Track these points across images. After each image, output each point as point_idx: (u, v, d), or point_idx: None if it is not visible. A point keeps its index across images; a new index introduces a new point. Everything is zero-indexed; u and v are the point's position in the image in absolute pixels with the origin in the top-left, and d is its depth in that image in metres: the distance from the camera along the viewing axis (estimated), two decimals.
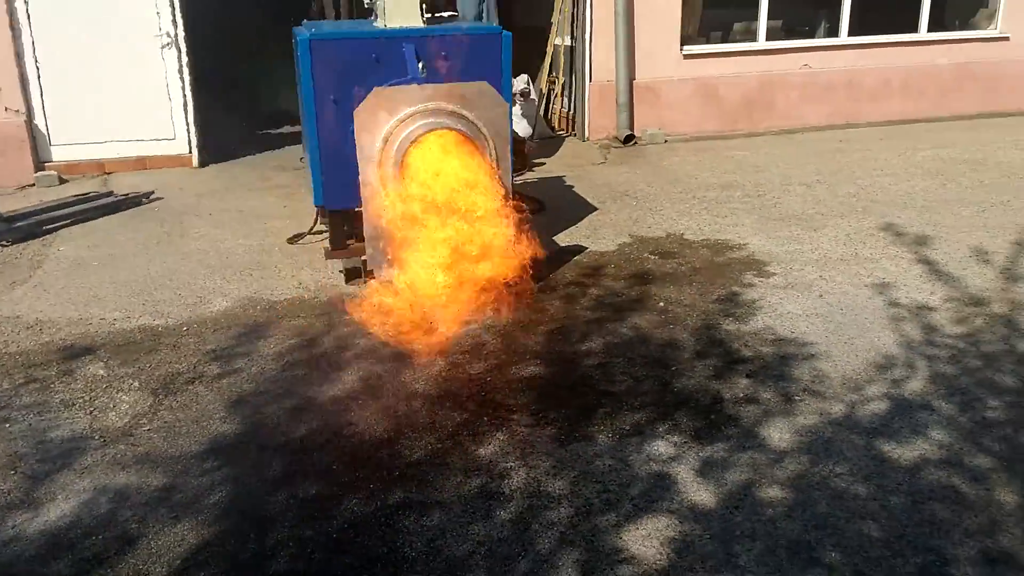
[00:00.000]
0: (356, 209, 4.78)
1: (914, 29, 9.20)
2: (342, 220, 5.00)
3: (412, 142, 4.11)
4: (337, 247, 5.00)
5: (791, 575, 2.43)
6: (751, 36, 8.88)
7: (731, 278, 4.81)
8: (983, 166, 7.20)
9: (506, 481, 2.93)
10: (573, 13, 8.37)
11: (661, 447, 3.10)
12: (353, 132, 4.43)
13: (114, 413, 3.48)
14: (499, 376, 3.69)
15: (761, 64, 8.75)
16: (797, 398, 3.42)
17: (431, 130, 4.11)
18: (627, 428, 3.24)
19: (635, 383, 3.59)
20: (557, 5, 8.45)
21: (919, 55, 9.13)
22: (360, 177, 4.22)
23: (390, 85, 4.46)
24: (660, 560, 2.50)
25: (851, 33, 9.03)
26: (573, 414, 3.35)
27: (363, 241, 4.70)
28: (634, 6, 8.16)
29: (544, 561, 2.51)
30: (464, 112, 4.25)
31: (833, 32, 9.06)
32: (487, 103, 4.28)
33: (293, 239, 5.64)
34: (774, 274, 4.85)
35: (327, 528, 2.70)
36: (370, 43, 4.67)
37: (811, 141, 8.38)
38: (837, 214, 5.97)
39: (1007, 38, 9.28)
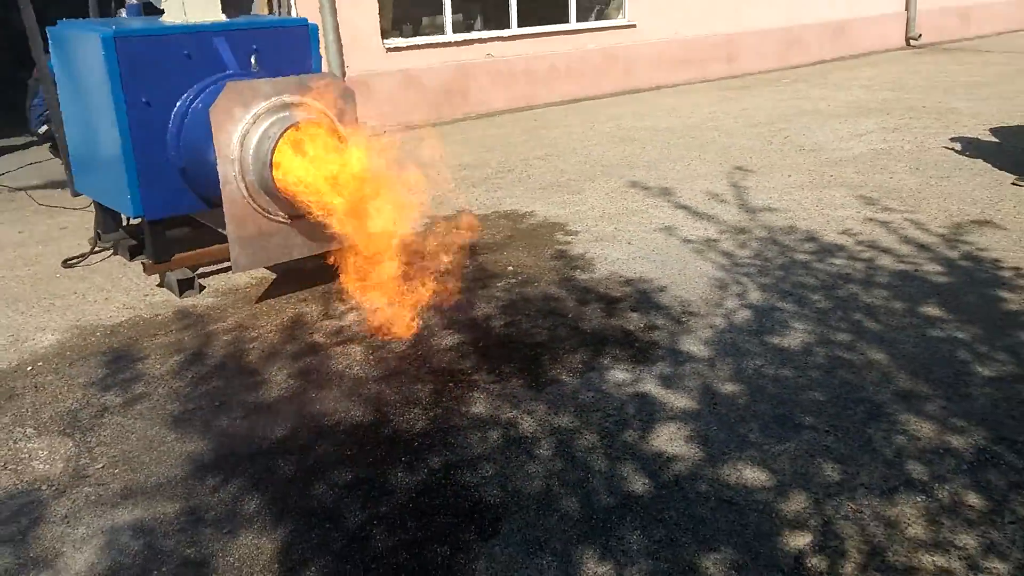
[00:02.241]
0: (178, 216, 4.59)
1: (566, 20, 10.50)
2: (163, 229, 4.67)
3: (279, 137, 4.03)
4: (160, 260, 4.67)
5: (792, 438, 3.06)
6: (439, 30, 9.49)
7: (547, 240, 5.39)
8: (659, 131, 8.63)
9: (521, 427, 3.20)
10: (277, 10, 8.29)
11: (619, 375, 3.58)
12: (174, 133, 4.26)
13: (39, 462, 3.08)
14: (428, 349, 3.87)
15: (453, 55, 9.43)
16: (683, 320, 4.11)
17: (293, 125, 4.07)
18: (579, 367, 3.67)
19: (551, 332, 4.01)
20: (259, 3, 8.30)
21: (574, 42, 10.49)
22: (220, 177, 4.04)
23: (239, 79, 4.31)
24: (697, 452, 3.00)
25: (520, 24, 10.05)
26: (523, 366, 3.68)
27: (187, 252, 4.60)
28: (335, 5, 8.31)
29: (611, 476, 2.87)
30: (316, 104, 4.26)
31: (506, 24, 10.01)
32: (335, 94, 4.34)
33: (71, 262, 5.09)
34: (578, 231, 5.54)
35: (397, 501, 2.77)
36: (181, 39, 4.45)
37: (511, 122, 9.27)
38: (586, 178, 6.85)
39: (634, 26, 11.00)
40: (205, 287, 4.76)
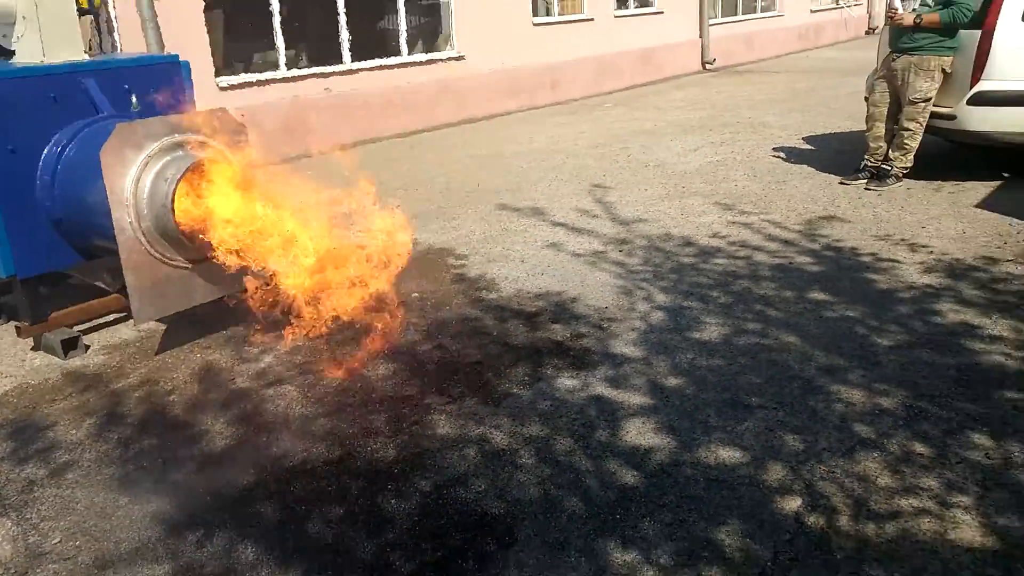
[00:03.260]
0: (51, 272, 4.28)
1: (399, 53, 10.62)
2: (37, 287, 4.32)
3: (180, 178, 3.85)
4: (37, 321, 4.30)
5: (748, 417, 3.29)
6: (272, 66, 9.32)
7: (440, 264, 5.45)
8: (509, 157, 8.88)
9: (494, 441, 3.24)
10: (100, 46, 7.82)
11: (567, 382, 3.70)
12: (47, 182, 4.01)
13: None
14: (365, 379, 3.80)
15: (289, 90, 9.27)
16: (604, 326, 4.29)
17: (193, 164, 3.91)
18: (525, 379, 3.75)
19: (483, 350, 4.07)
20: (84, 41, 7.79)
21: (407, 75, 10.61)
22: (115, 225, 3.80)
23: (116, 120, 4.08)
24: (669, 441, 3.17)
25: (353, 59, 10.05)
26: (470, 385, 3.70)
27: (64, 310, 4.32)
28: (163, 41, 7.99)
29: (600, 473, 2.97)
30: (208, 140, 4.12)
31: (339, 59, 9.98)
32: (227, 129, 4.21)
33: None
34: (467, 255, 5.63)
35: (402, 526, 2.74)
36: (47, 81, 4.14)
37: (357, 156, 9.22)
38: (455, 205, 6.96)
39: (463, 57, 11.29)
40: (89, 345, 4.40)
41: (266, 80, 9.04)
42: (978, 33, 6.28)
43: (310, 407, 3.59)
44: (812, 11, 20.99)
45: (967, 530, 2.55)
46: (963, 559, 2.43)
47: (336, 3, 9.80)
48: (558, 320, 4.36)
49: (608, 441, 3.18)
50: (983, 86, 6.29)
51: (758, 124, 10.13)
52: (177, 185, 3.78)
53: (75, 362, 4.20)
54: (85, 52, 4.38)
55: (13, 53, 4.34)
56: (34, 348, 4.32)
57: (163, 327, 4.55)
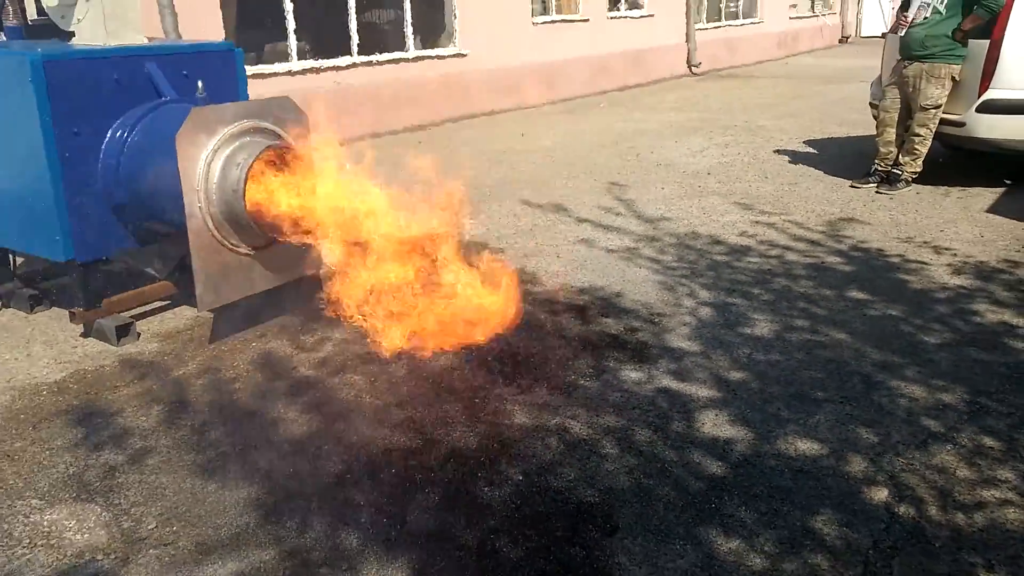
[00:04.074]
0: (108, 258, 4.28)
1: (405, 48, 10.62)
2: (93, 274, 4.30)
3: (251, 164, 3.87)
4: (92, 306, 4.29)
5: (817, 411, 3.39)
6: (282, 57, 9.28)
7: (478, 258, 5.48)
8: (520, 153, 8.93)
9: (574, 431, 3.30)
10: None
11: (631, 374, 3.78)
12: (111, 166, 4.02)
13: (73, 533, 2.78)
14: (428, 370, 3.83)
15: (299, 83, 9.24)
16: (656, 320, 4.38)
17: (265, 150, 3.92)
18: (589, 371, 3.83)
19: (541, 342, 4.12)
20: None
21: (413, 70, 10.62)
22: (186, 209, 3.81)
23: (180, 105, 4.08)
24: (746, 433, 3.26)
25: (360, 53, 10.04)
26: (537, 376, 3.75)
27: (114, 296, 4.33)
28: (179, 29, 7.93)
29: (685, 463, 3.04)
30: (275, 127, 4.14)
31: (348, 52, 9.96)
32: (292, 117, 4.23)
33: None
34: (503, 248, 5.69)
35: (502, 513, 2.79)
36: (112, 63, 4.13)
37: (369, 150, 9.18)
38: (478, 200, 7.00)
39: (466, 54, 11.33)
40: (140, 333, 4.39)
41: (278, 72, 8.99)
42: (987, 42, 6.47)
43: (380, 396, 3.62)
44: (791, 19, 21.32)
45: None
46: None
47: None
48: (608, 314, 4.44)
49: (686, 432, 3.26)
50: (991, 94, 6.49)
51: (755, 127, 10.30)
52: (249, 170, 3.78)
53: (129, 349, 4.19)
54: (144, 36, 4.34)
55: (72, 35, 4.31)
56: (84, 334, 4.29)
57: (210, 316, 4.53)
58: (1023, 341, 3.96)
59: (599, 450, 3.15)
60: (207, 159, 3.83)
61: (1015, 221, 5.88)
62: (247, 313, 4.27)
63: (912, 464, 2.99)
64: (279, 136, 4.10)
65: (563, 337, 4.16)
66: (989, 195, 6.65)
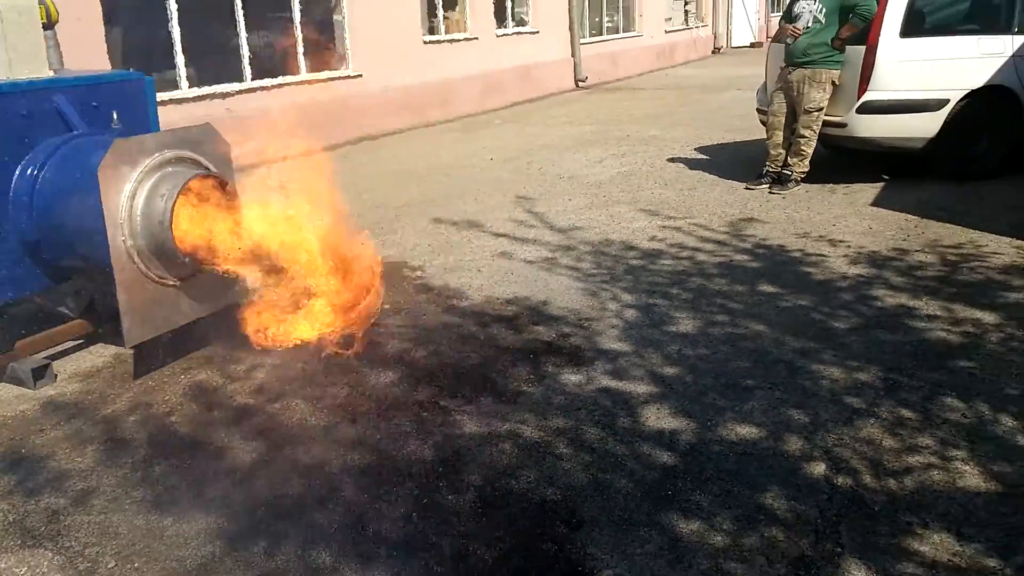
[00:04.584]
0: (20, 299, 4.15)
1: (297, 71, 10.54)
2: (3, 316, 4.14)
3: (178, 194, 3.82)
4: (4, 350, 4.13)
5: (750, 398, 3.58)
6: (171, 85, 9.07)
7: (399, 276, 5.54)
8: (422, 172, 8.99)
9: (525, 435, 3.39)
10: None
11: (571, 377, 3.91)
12: (24, 203, 3.92)
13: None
14: (371, 388, 3.87)
15: (190, 111, 9.04)
16: (585, 325, 4.53)
17: (191, 179, 3.88)
18: (530, 377, 3.93)
19: (479, 353, 4.20)
20: None
21: (307, 93, 10.54)
22: (111, 244, 3.73)
23: (92, 138, 3.99)
24: (689, 423, 3.42)
25: (254, 77, 9.91)
26: (479, 386, 3.82)
27: (27, 337, 4.17)
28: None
29: (637, 456, 3.17)
30: (196, 156, 4.09)
31: (240, 77, 9.81)
32: (213, 144, 4.19)
33: None
34: (422, 266, 5.75)
35: (469, 518, 2.85)
36: (21, 97, 4.00)
37: (286, 171, 9.07)
38: (389, 219, 7.03)
39: (360, 75, 11.32)
40: (57, 374, 4.23)
41: (167, 100, 8.76)
42: (863, 48, 6.96)
43: (325, 418, 3.62)
44: (667, 32, 22.18)
45: (971, 478, 2.93)
46: (977, 501, 2.80)
47: (236, 20, 9.62)
48: (538, 322, 4.55)
49: (632, 427, 3.39)
50: (869, 96, 6.99)
51: (647, 137, 10.69)
52: (175, 201, 3.72)
53: (47, 391, 4.03)
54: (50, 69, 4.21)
55: None
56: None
57: (130, 352, 4.41)
58: (922, 321, 4.28)
59: (553, 451, 3.24)
60: (130, 191, 3.76)
61: (898, 212, 6.33)
62: (168, 346, 4.18)
63: (842, 439, 3.21)
64: (201, 164, 4.04)
65: (498, 347, 4.24)
66: (871, 190, 7.13)
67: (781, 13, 7.41)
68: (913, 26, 6.95)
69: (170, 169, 3.90)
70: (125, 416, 3.71)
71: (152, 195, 3.80)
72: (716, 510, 2.82)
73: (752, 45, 27.08)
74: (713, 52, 25.40)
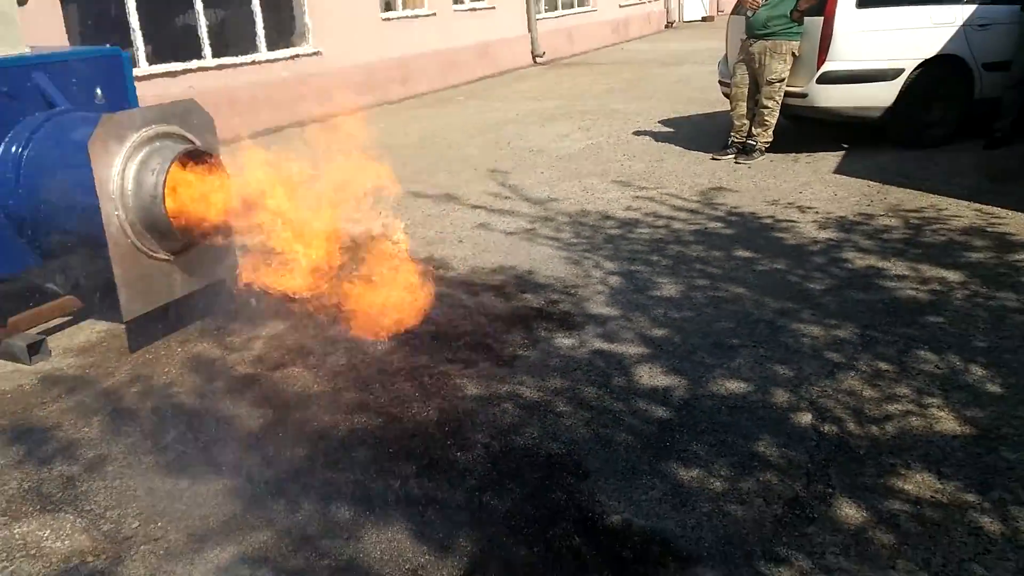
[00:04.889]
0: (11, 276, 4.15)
1: (257, 49, 10.45)
2: None
3: (169, 167, 3.85)
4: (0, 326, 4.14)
5: (736, 356, 3.75)
6: (132, 62, 8.92)
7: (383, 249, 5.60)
8: (393, 147, 8.86)
9: (526, 395, 3.53)
10: None
11: (564, 341, 4.05)
12: (10, 180, 3.92)
13: (53, 541, 2.76)
14: (368, 357, 3.96)
15: (150, 88, 8.94)
16: (572, 292, 4.67)
17: (182, 153, 3.91)
18: (524, 342, 4.06)
19: (472, 320, 4.32)
20: None
21: (270, 71, 10.47)
22: (104, 218, 3.76)
23: (72, 114, 4.00)
24: (681, 380, 3.58)
25: (214, 55, 9.81)
26: (476, 352, 3.93)
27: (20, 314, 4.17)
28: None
29: (634, 412, 3.32)
30: (182, 131, 4.12)
31: (200, 55, 9.70)
32: (198, 119, 4.22)
33: None
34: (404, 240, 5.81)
35: (480, 472, 2.96)
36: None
37: (238, 152, 9.03)
38: (368, 193, 7.05)
39: (320, 53, 11.26)
40: (51, 350, 4.25)
41: None
42: (820, 20, 7.16)
43: (327, 384, 3.71)
44: (620, 6, 22.30)
45: (947, 423, 3.14)
46: (954, 444, 3.01)
47: None
48: (526, 290, 4.68)
49: (627, 386, 3.55)
50: (828, 67, 7.20)
51: (610, 111, 10.83)
52: (167, 175, 3.76)
53: (43, 366, 4.06)
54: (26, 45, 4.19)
55: None
56: None
57: (121, 327, 4.44)
58: (891, 280, 4.50)
59: (553, 409, 3.38)
60: (121, 166, 3.78)
61: (860, 180, 6.57)
62: (162, 320, 4.22)
63: (825, 391, 3.40)
64: (188, 139, 4.07)
65: (490, 314, 4.36)
66: (832, 158, 7.36)
67: None
68: None
69: (158, 144, 3.93)
70: (127, 388, 3.76)
71: (142, 169, 3.83)
72: (713, 458, 2.98)
73: (704, 19, 27.34)
74: (666, 26, 25.60)
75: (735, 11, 8.19)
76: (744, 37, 7.42)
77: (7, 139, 3.94)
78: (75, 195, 3.75)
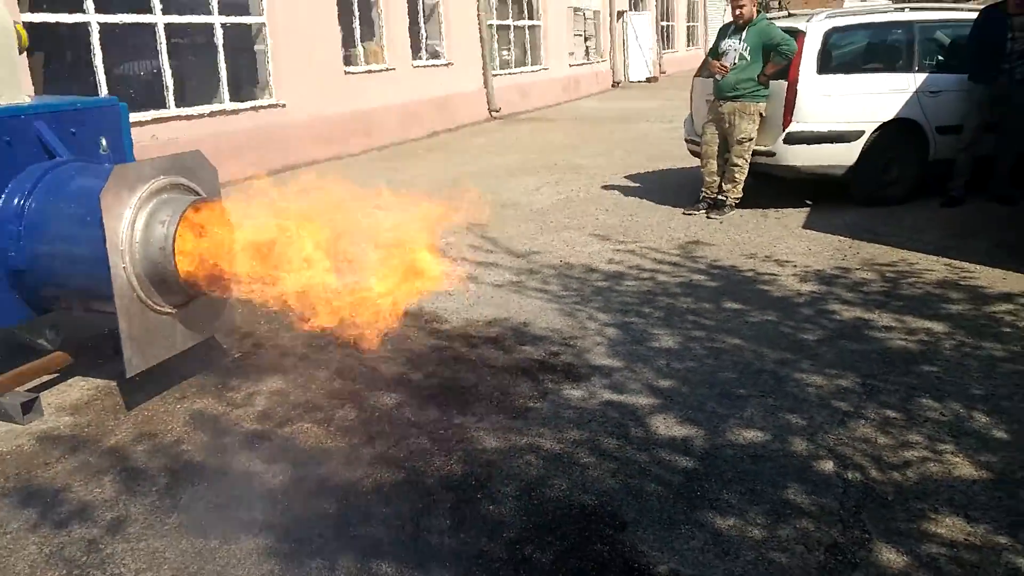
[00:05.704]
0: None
1: (221, 100, 10.43)
2: None
3: (180, 220, 3.82)
4: None
5: (747, 406, 3.82)
6: None
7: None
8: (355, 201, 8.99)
9: (546, 447, 3.53)
10: None
11: (573, 393, 4.08)
12: (11, 232, 3.85)
13: None
14: (376, 411, 3.94)
15: None
16: (571, 343, 4.72)
17: (191, 205, 3.88)
18: (534, 394, 4.07)
19: (475, 374, 4.31)
20: None
21: (232, 123, 10.44)
22: (112, 270, 3.68)
23: (76, 165, 3.96)
24: (697, 430, 3.63)
25: (178, 105, 9.75)
26: (487, 405, 3.93)
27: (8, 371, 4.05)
28: None
29: (658, 462, 3.35)
30: (188, 182, 4.10)
31: (164, 104, 9.64)
32: (203, 170, 4.20)
33: None
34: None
35: (518, 526, 2.95)
36: (1, 124, 3.93)
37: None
38: (347, 245, 7.03)
39: (284, 105, 11.28)
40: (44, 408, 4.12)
41: None
42: (786, 83, 7.48)
43: (341, 440, 3.66)
44: (571, 65, 22.87)
45: (964, 468, 3.24)
46: (975, 488, 3.11)
47: (158, 48, 9.47)
48: (524, 343, 4.70)
49: (646, 436, 3.59)
50: (793, 127, 7.50)
51: (575, 166, 11.04)
52: (177, 227, 3.72)
53: (38, 425, 3.92)
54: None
55: None
56: None
57: (114, 384, 4.34)
58: (880, 331, 4.66)
59: (577, 460, 3.39)
60: (130, 218, 3.72)
61: (829, 235, 6.81)
62: (156, 376, 4.12)
63: (841, 439, 3.49)
64: (194, 190, 4.04)
65: (492, 367, 4.37)
66: (799, 214, 7.62)
67: (708, 50, 7.88)
68: (829, 64, 7.51)
69: (166, 196, 3.88)
70: (132, 446, 3.65)
71: (151, 222, 3.77)
72: (746, 507, 3.02)
73: (648, 80, 28.15)
74: (613, 85, 26.28)
75: (699, 74, 8.49)
76: (713, 98, 7.68)
77: (8, 189, 3.85)
78: (81, 248, 3.67)
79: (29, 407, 3.96)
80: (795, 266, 5.97)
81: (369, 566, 2.76)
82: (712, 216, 7.67)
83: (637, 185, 9.41)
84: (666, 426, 3.65)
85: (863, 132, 7.47)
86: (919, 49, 7.72)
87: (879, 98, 7.54)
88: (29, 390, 4.15)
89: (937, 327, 4.66)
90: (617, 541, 2.85)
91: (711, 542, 2.82)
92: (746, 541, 2.82)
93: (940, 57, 7.84)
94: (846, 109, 7.50)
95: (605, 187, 9.38)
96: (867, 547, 2.76)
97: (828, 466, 3.27)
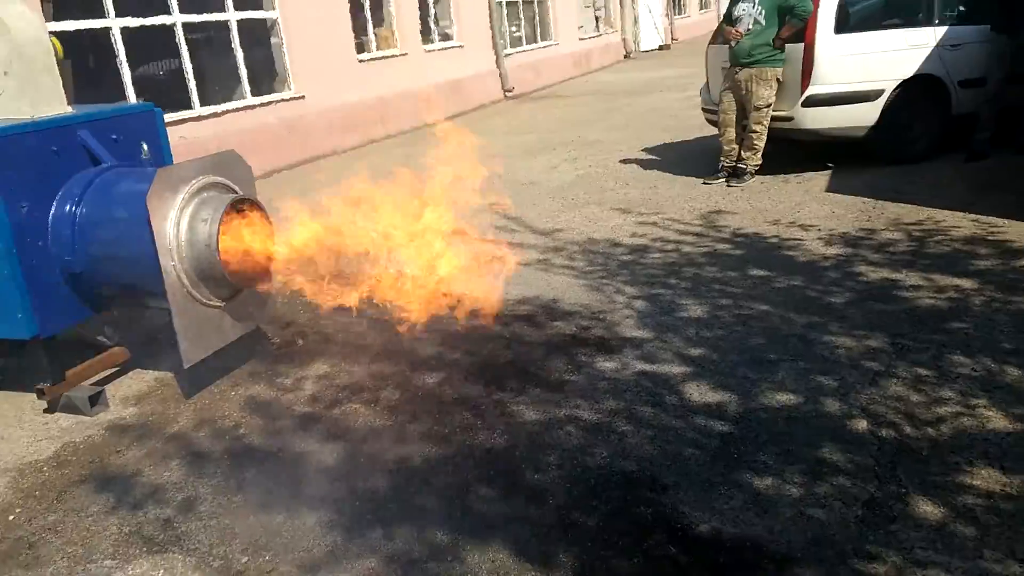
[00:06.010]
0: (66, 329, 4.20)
1: (243, 96, 10.56)
2: (52, 346, 4.21)
3: (221, 217, 3.96)
4: (59, 380, 4.20)
5: (778, 369, 3.91)
6: None
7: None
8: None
9: (584, 417, 3.66)
10: None
11: (607, 364, 4.20)
12: (66, 236, 4.01)
13: None
14: (419, 390, 4.09)
15: None
16: (601, 317, 4.83)
17: (231, 203, 4.02)
18: (568, 368, 4.20)
19: (512, 351, 4.45)
20: None
21: (254, 117, 10.58)
22: (163, 269, 3.85)
23: (123, 169, 4.11)
24: (730, 396, 3.73)
25: (202, 104, 9.90)
26: (523, 379, 4.07)
27: (74, 367, 4.24)
28: None
29: (693, 428, 3.47)
30: (227, 181, 4.24)
31: (189, 104, 9.79)
32: (239, 168, 4.34)
33: None
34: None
35: (561, 489, 3.09)
36: (50, 134, 4.08)
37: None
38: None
39: (303, 97, 11.40)
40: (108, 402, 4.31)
41: None
42: (802, 46, 7.49)
43: (388, 418, 3.81)
44: (581, 39, 22.78)
45: (998, 421, 3.33)
46: (1009, 440, 3.19)
47: (178, 48, 9.62)
48: (555, 318, 4.82)
49: (680, 403, 3.70)
50: (812, 90, 7.51)
51: (591, 142, 11.08)
52: (220, 224, 3.86)
53: (105, 417, 4.11)
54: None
55: None
56: (49, 410, 4.15)
57: (170, 376, 4.52)
58: (908, 291, 4.73)
59: (615, 429, 3.52)
60: (175, 218, 3.87)
61: (853, 197, 6.85)
62: (209, 366, 4.28)
63: (874, 398, 3.58)
64: (232, 188, 4.18)
65: (526, 343, 4.50)
66: (821, 178, 7.65)
67: (721, 16, 7.89)
68: (846, 23, 7.50)
69: (206, 195, 4.03)
70: (194, 432, 3.83)
71: (194, 220, 3.92)
72: (782, 467, 3.14)
73: (660, 48, 27.98)
74: (624, 57, 26.15)
75: (713, 41, 8.51)
76: (728, 66, 7.71)
77: (59, 196, 4.01)
78: (132, 248, 3.83)
79: (96, 400, 4.15)
80: (819, 230, 6.03)
81: (425, 534, 2.91)
82: (732, 184, 7.72)
83: (655, 157, 9.46)
84: (699, 393, 3.76)
85: (883, 91, 7.47)
86: (938, 2, 7.67)
87: (898, 55, 7.52)
88: (94, 384, 4.33)
89: (966, 283, 4.73)
90: (659, 503, 2.97)
91: (750, 501, 2.94)
92: (784, 499, 2.94)
93: (961, 8, 7.77)
94: (865, 68, 7.49)
95: (623, 161, 9.43)
96: (904, 500, 2.87)
97: (862, 425, 3.37)
